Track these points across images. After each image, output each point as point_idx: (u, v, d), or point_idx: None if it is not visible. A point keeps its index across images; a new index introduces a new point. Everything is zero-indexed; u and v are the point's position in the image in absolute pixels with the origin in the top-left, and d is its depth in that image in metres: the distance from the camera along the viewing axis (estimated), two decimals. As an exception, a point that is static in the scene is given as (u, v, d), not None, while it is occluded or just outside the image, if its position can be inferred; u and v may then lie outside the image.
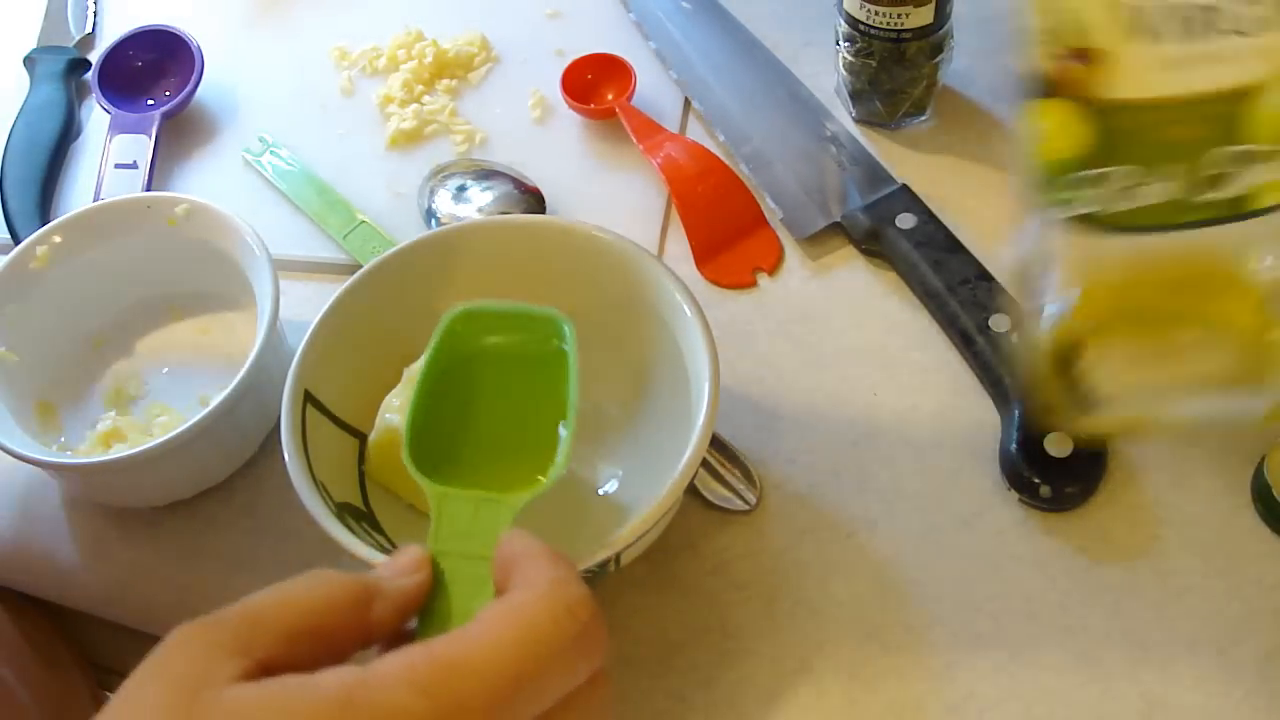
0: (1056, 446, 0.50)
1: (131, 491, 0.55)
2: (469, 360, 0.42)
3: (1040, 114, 0.35)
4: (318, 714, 0.30)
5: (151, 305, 0.61)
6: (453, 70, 0.72)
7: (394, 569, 0.36)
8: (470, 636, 0.31)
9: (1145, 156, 0.34)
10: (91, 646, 0.61)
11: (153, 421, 0.57)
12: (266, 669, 0.31)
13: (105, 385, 0.59)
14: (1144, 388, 0.40)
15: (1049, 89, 0.35)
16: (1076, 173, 0.35)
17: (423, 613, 0.36)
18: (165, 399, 0.59)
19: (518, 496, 0.39)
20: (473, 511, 0.38)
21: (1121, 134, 0.34)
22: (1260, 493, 0.50)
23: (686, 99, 0.68)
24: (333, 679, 0.30)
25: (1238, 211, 0.34)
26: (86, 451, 0.56)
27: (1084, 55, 0.34)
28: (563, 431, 0.40)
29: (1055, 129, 0.35)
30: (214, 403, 0.52)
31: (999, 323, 0.54)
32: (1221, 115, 0.34)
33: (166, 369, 0.60)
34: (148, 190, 0.67)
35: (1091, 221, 0.35)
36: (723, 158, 0.64)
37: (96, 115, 0.72)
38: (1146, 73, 0.33)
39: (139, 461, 0.51)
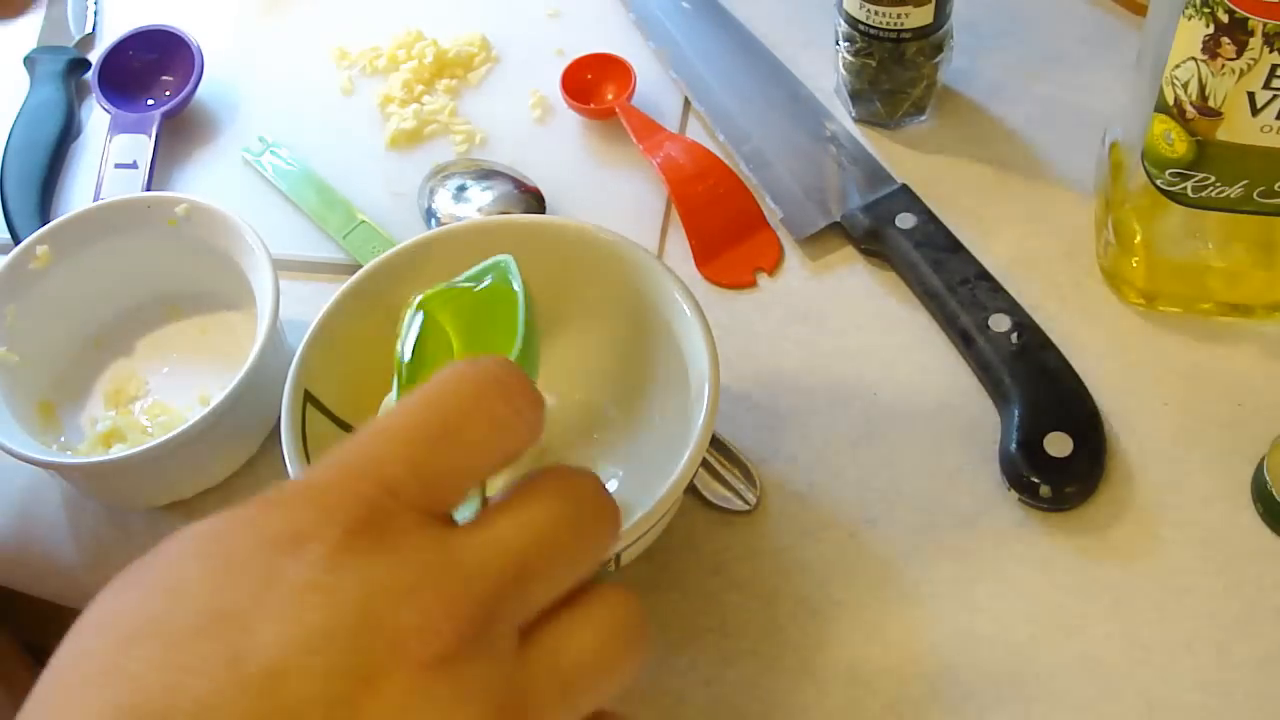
0: (1056, 447, 0.50)
1: (131, 491, 0.55)
2: (439, 336, 0.43)
3: (1157, 122, 0.50)
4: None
5: (151, 305, 0.61)
6: (453, 70, 0.72)
7: None
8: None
9: (1227, 173, 0.50)
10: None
11: (153, 421, 0.57)
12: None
13: (105, 385, 0.59)
14: None
15: (1167, 110, 0.49)
16: (1171, 169, 0.50)
17: None
18: (165, 399, 0.59)
19: None
20: None
21: (1213, 158, 0.49)
22: (1260, 493, 0.50)
23: (686, 99, 0.68)
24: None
25: None
26: (86, 451, 0.56)
27: (1207, 111, 0.48)
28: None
29: (1164, 136, 0.50)
30: (214, 403, 0.52)
31: (999, 322, 0.54)
32: None
33: (166, 369, 0.60)
34: (148, 190, 0.67)
35: (1170, 195, 0.51)
36: (722, 158, 0.64)
37: (96, 115, 0.72)
38: (1245, 129, 0.48)
39: (139, 461, 0.51)
